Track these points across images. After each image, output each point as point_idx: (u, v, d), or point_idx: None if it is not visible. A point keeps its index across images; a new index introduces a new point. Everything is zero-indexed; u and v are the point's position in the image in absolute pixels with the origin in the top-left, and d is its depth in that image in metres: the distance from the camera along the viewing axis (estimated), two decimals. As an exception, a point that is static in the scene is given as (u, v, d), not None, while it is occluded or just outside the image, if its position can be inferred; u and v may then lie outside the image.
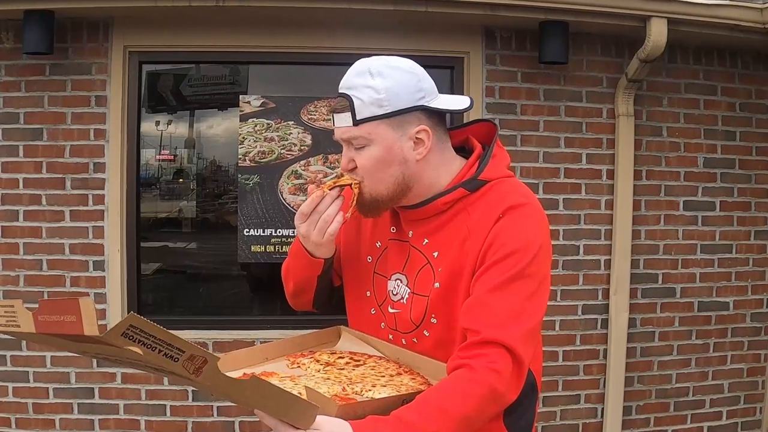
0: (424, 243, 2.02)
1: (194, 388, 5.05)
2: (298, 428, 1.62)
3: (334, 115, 1.96)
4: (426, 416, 1.64)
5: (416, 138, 1.95)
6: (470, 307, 1.84)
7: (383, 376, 1.97)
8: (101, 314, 4.97)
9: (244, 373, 1.98)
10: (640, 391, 5.52)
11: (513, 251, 1.85)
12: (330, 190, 2.02)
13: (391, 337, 2.11)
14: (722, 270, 5.61)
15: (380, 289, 2.14)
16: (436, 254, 1.99)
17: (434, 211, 2.00)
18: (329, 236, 2.02)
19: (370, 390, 1.86)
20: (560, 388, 5.38)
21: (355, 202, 2.02)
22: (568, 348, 5.37)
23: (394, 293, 2.08)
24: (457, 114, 2.03)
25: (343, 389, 1.87)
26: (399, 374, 1.99)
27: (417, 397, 1.70)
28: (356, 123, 1.91)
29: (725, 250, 5.60)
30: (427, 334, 2.01)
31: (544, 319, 5.21)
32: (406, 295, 2.05)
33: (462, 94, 5.19)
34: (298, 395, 1.69)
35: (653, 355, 5.52)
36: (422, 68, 2.00)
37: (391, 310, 2.10)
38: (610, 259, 5.38)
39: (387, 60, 1.95)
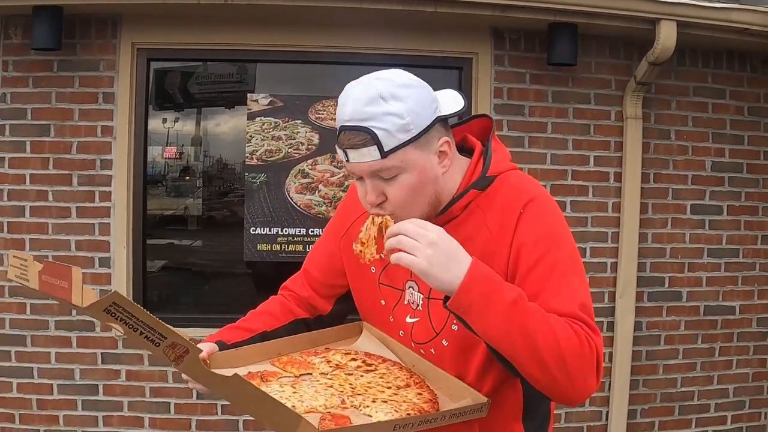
0: None
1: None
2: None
3: (350, 151, 1.79)
4: (536, 318, 1.66)
5: (440, 151, 1.85)
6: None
7: (389, 388, 1.93)
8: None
9: (249, 372, 1.97)
10: (645, 394, 5.50)
11: (547, 250, 1.80)
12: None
13: (413, 345, 2.05)
14: (729, 274, 5.59)
15: (392, 299, 2.07)
16: None
17: (450, 218, 1.92)
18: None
19: (368, 406, 1.84)
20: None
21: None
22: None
23: (413, 302, 2.02)
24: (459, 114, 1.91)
25: (342, 401, 1.85)
26: (407, 386, 1.94)
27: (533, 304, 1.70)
28: (385, 155, 1.76)
29: (732, 254, 5.58)
30: (446, 344, 1.94)
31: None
32: (421, 302, 1.99)
33: (470, 95, 5.20)
34: (279, 401, 1.69)
35: (659, 358, 5.51)
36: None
37: (409, 320, 2.04)
38: (616, 262, 5.36)
39: (389, 79, 1.80)
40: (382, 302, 2.09)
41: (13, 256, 1.56)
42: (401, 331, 2.06)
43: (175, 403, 5.07)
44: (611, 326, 5.37)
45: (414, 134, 1.77)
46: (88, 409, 5.05)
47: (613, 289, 5.37)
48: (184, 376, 1.91)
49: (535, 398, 1.90)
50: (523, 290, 1.74)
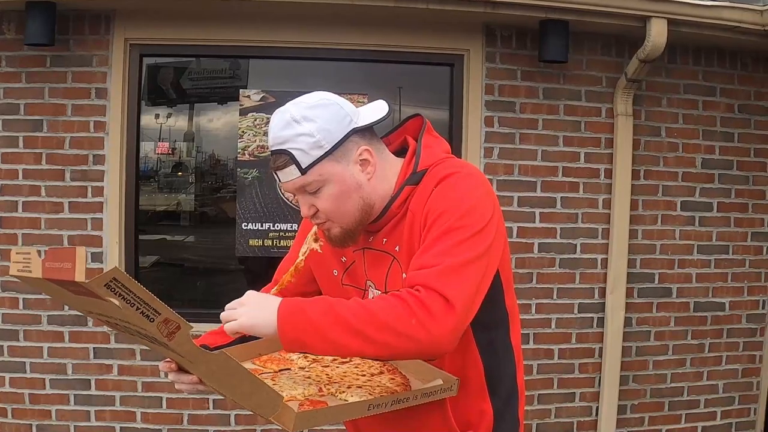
0: (384, 242, 2.08)
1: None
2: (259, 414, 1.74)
3: (278, 172, 1.99)
4: (354, 312, 1.77)
5: (360, 160, 2.00)
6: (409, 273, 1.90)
7: (363, 375, 2.03)
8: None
9: None
10: (635, 390, 5.54)
11: (440, 214, 1.90)
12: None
13: None
14: (719, 271, 5.62)
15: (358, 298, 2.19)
16: (398, 248, 2.05)
17: (392, 217, 2.06)
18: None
19: (344, 392, 1.93)
20: (555, 386, 5.39)
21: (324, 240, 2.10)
22: (563, 346, 5.39)
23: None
24: (382, 122, 2.07)
25: (320, 390, 1.95)
26: (380, 373, 2.05)
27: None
28: (304, 171, 1.95)
29: (722, 251, 5.62)
30: None
31: (539, 316, 5.20)
32: None
33: (462, 92, 5.22)
34: (262, 381, 1.76)
35: (648, 354, 5.54)
36: (333, 94, 2.04)
37: None
38: (607, 258, 5.39)
39: (303, 102, 1.98)
40: None
41: (16, 253, 1.64)
42: None
43: (167, 398, 5.09)
44: (601, 322, 5.40)
45: (327, 149, 1.95)
46: (80, 403, 5.06)
47: (603, 285, 5.39)
48: (170, 376, 2.00)
49: (495, 375, 2.03)
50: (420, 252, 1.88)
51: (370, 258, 2.11)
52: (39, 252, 1.58)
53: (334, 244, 2.07)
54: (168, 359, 1.99)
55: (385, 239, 2.07)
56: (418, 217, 1.97)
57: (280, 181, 2.01)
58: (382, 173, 2.05)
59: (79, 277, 1.40)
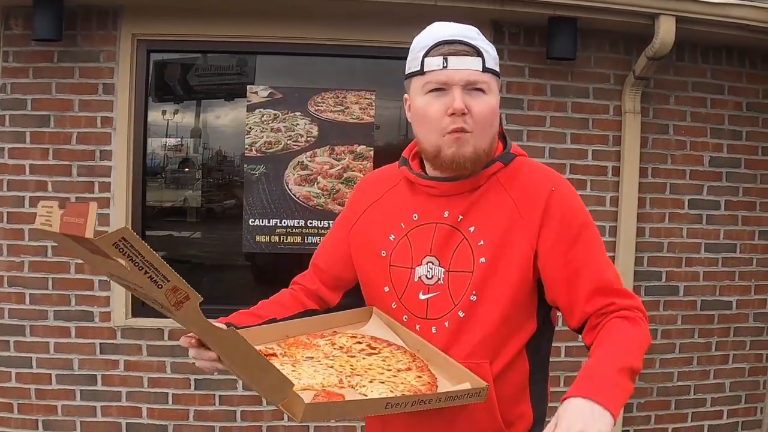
0: (459, 219, 2.03)
1: (197, 374, 5.04)
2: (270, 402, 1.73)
3: (452, 58, 1.97)
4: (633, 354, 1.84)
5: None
6: (579, 284, 1.97)
7: (389, 370, 1.95)
8: (105, 302, 5.00)
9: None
10: (641, 388, 5.52)
11: (582, 224, 1.99)
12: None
13: (418, 327, 2.07)
14: (726, 269, 5.60)
15: (401, 281, 2.11)
16: (472, 229, 2.01)
17: (475, 185, 2.05)
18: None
19: (365, 386, 1.85)
20: (562, 384, 5.38)
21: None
22: (570, 344, 5.37)
23: (429, 277, 2.06)
24: None
25: (340, 381, 1.87)
26: (408, 369, 1.96)
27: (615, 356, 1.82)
28: (484, 70, 1.98)
29: (729, 249, 5.60)
30: (462, 315, 1.99)
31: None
32: (442, 276, 2.04)
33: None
34: (271, 363, 1.70)
35: (655, 352, 5.52)
36: None
37: (422, 297, 2.07)
38: (614, 256, 5.37)
39: None
40: (386, 289, 2.14)
41: (41, 206, 1.62)
42: (405, 316, 2.10)
43: (173, 394, 5.09)
44: (608, 320, 5.38)
45: (497, 71, 2.04)
46: (86, 399, 5.07)
47: (610, 283, 5.37)
48: (191, 352, 1.93)
49: (535, 379, 2.08)
50: (564, 262, 1.94)
51: (441, 233, 2.04)
52: (60, 206, 1.56)
53: (459, 166, 2.00)
54: (190, 334, 1.91)
55: (460, 216, 2.03)
56: (529, 214, 1.99)
57: (446, 66, 1.98)
58: None
59: (89, 233, 1.37)
